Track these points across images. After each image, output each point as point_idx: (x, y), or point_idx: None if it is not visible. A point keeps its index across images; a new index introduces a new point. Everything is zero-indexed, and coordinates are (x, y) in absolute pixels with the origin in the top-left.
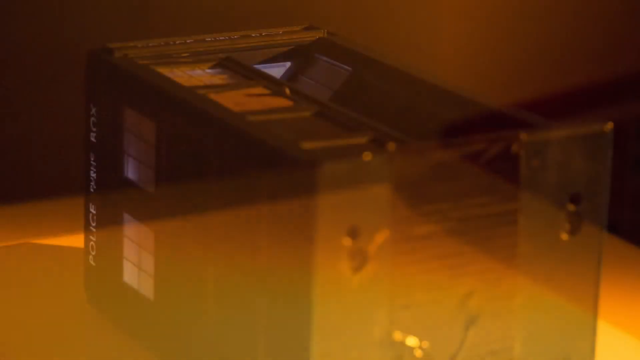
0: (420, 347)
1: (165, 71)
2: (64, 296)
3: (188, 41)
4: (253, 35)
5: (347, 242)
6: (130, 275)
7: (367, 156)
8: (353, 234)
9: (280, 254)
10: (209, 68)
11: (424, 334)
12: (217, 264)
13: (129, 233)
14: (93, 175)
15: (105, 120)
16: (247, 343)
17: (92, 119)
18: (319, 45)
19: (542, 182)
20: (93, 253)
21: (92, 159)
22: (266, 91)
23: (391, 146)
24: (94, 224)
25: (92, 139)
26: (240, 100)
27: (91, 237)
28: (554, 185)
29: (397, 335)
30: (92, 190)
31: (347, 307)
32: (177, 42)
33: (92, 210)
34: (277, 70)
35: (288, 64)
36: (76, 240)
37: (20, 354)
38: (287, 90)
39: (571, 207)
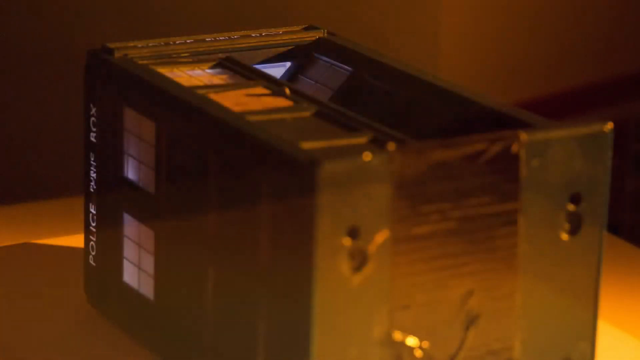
0: (420, 347)
1: (165, 71)
2: (64, 296)
3: (188, 41)
4: (253, 35)
5: (347, 242)
6: (130, 275)
7: (367, 156)
8: (353, 234)
9: (280, 254)
10: (209, 68)
11: (424, 334)
12: (217, 264)
13: (129, 233)
14: (93, 175)
15: (105, 120)
16: (247, 343)
17: (92, 119)
18: (319, 45)
19: (542, 182)
20: (93, 253)
21: (92, 159)
22: (266, 91)
23: (391, 146)
24: (94, 224)
25: (92, 139)
26: (240, 100)
27: (91, 237)
28: (554, 185)
29: (397, 335)
30: (92, 190)
31: (347, 307)
32: (177, 42)
33: (92, 210)
34: (277, 70)
35: (288, 64)
36: (76, 240)
37: (20, 354)
38: (287, 90)
39: (571, 207)
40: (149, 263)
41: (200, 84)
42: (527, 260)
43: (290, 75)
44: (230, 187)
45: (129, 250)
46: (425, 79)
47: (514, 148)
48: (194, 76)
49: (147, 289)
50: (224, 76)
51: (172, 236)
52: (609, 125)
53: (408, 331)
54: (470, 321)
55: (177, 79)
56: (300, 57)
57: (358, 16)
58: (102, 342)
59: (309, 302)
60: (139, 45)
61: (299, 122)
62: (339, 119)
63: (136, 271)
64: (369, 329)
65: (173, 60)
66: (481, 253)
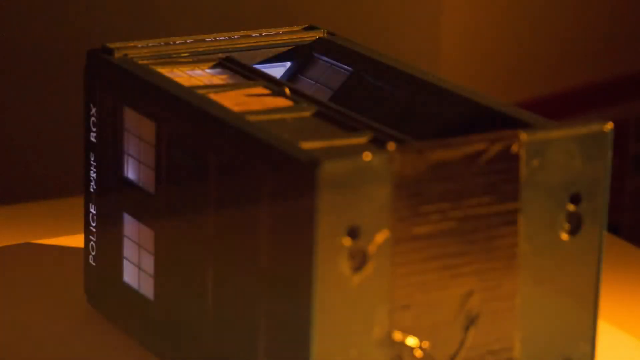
0: (420, 347)
1: (165, 71)
2: (64, 296)
3: (188, 41)
4: (253, 35)
5: (347, 242)
6: (130, 275)
7: (367, 156)
8: (353, 234)
9: (280, 253)
10: (209, 68)
11: (424, 334)
12: (217, 264)
13: (129, 233)
14: (93, 175)
15: (105, 120)
16: (247, 343)
17: (92, 119)
18: (319, 45)
19: (542, 182)
20: (93, 253)
21: (92, 159)
22: (266, 91)
23: (391, 146)
24: (94, 224)
25: (92, 139)
26: (240, 100)
27: (91, 237)
28: (554, 185)
29: (397, 335)
30: (92, 190)
31: (347, 307)
32: (177, 42)
33: (92, 210)
34: (277, 70)
35: (288, 64)
36: (76, 240)
37: (21, 354)
38: (287, 90)
39: (571, 207)
40: (149, 263)
41: (200, 84)
42: (527, 260)
43: (290, 75)
44: (230, 187)
45: (129, 250)
46: (425, 79)
47: (514, 148)
48: (194, 76)
49: (147, 289)
50: (224, 76)
51: (172, 236)
52: (609, 125)
53: (408, 331)
54: (470, 321)
55: (177, 79)
56: (300, 57)
57: (358, 16)
58: (102, 342)
59: (309, 302)
60: (139, 45)
61: (299, 122)
62: (339, 119)
63: (136, 271)
64: (369, 329)
65: (173, 60)
66: (481, 253)
